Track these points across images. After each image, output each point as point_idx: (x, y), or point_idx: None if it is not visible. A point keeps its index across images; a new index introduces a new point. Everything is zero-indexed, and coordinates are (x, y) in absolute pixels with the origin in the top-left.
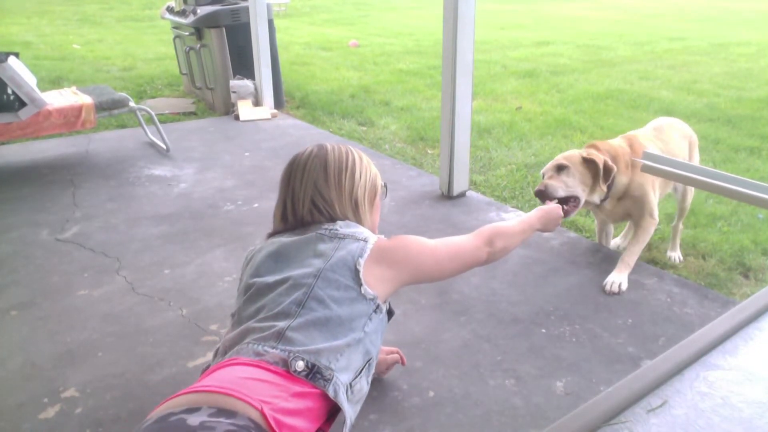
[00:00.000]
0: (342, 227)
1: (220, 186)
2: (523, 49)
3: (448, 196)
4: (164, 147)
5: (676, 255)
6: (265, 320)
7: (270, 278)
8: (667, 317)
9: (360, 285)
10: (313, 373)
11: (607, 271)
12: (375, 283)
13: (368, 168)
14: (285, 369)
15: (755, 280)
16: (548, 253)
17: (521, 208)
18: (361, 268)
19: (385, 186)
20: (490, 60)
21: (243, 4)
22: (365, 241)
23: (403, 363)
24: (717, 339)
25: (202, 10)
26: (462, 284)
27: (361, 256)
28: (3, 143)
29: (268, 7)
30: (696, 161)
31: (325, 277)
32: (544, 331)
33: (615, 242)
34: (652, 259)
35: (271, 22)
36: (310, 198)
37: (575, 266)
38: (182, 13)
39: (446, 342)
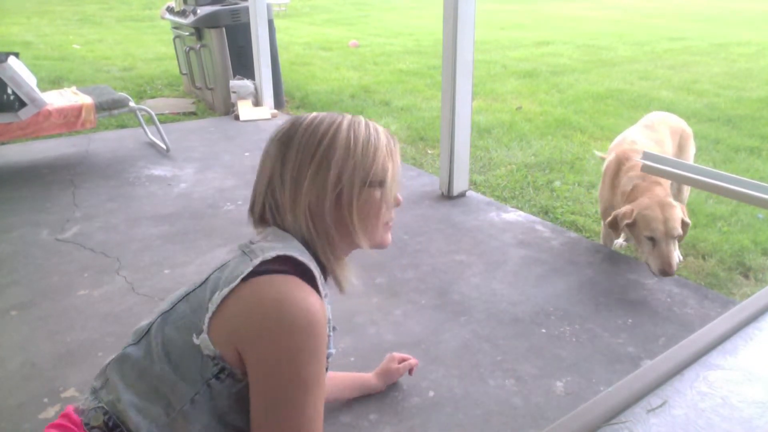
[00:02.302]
0: (270, 238)
1: (220, 186)
2: (523, 49)
3: (448, 196)
4: (164, 147)
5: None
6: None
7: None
8: (667, 317)
9: (199, 331)
10: None
11: (607, 271)
12: (224, 338)
13: (364, 155)
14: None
15: (755, 280)
16: (548, 253)
17: (521, 208)
18: (212, 307)
19: (384, 183)
20: (490, 60)
21: (243, 4)
22: (251, 262)
23: (410, 373)
24: (717, 339)
25: (202, 10)
26: (462, 284)
27: (218, 288)
28: (3, 143)
29: (268, 7)
30: (691, 155)
31: (177, 309)
32: (544, 331)
33: (618, 242)
34: None
35: (271, 22)
36: (262, 198)
37: (575, 266)
38: (182, 13)
39: (446, 342)
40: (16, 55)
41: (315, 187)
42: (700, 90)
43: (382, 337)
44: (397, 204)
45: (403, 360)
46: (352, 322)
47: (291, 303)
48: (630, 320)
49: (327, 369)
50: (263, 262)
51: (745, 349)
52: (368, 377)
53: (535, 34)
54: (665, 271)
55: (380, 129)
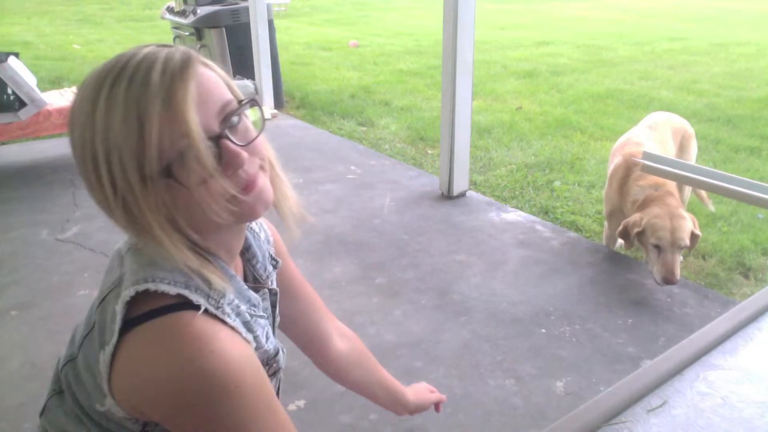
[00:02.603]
0: (140, 245)
1: None
2: (523, 49)
3: (448, 196)
4: None
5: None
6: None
7: None
8: (667, 317)
9: (102, 396)
10: None
11: (607, 271)
12: (131, 406)
13: (127, 135)
14: None
15: (755, 280)
16: (548, 253)
17: (521, 208)
18: (105, 370)
19: (178, 161)
20: (490, 60)
21: (243, 4)
22: (124, 303)
23: (437, 409)
24: (717, 339)
25: (202, 10)
26: (462, 284)
27: (103, 344)
28: (3, 143)
29: (268, 7)
30: (693, 153)
31: (79, 361)
32: (544, 331)
33: (619, 242)
34: None
35: (271, 23)
36: None
37: (575, 266)
38: (182, 13)
39: (446, 342)
40: (16, 55)
41: (97, 194)
42: (700, 90)
43: (382, 337)
44: (237, 163)
45: (432, 391)
46: (352, 322)
47: (191, 372)
48: (630, 320)
49: (275, 366)
50: (128, 304)
51: (745, 349)
52: (405, 396)
53: (535, 34)
54: (668, 279)
55: (157, 68)
